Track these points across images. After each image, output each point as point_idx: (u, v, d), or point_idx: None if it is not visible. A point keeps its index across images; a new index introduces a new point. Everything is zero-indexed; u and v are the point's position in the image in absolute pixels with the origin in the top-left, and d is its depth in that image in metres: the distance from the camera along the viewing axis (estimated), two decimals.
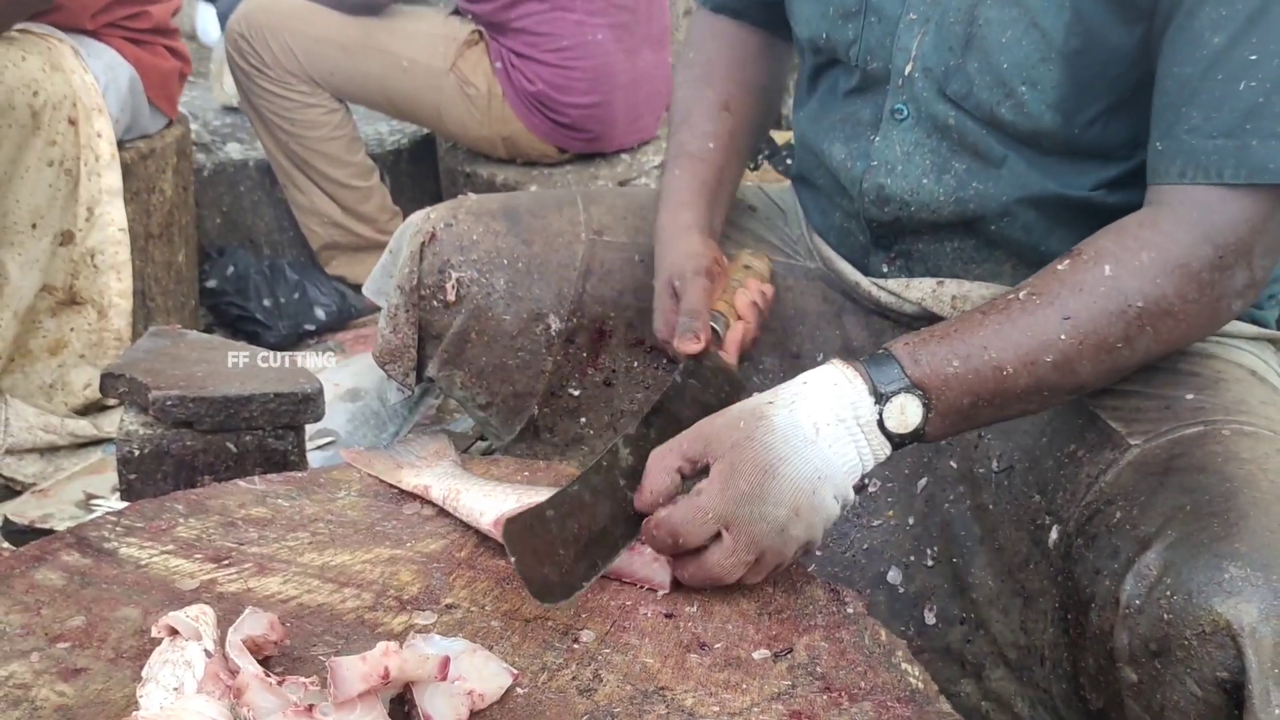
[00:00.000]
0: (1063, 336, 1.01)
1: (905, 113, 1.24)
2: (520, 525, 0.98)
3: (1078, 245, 1.06)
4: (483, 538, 1.07)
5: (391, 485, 1.17)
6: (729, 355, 1.25)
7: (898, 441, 1.01)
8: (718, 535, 0.97)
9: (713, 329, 1.22)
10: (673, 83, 1.50)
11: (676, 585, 1.01)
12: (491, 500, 1.07)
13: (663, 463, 1.00)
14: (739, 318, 1.26)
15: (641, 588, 1.02)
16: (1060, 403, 1.10)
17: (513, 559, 0.95)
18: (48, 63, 2.18)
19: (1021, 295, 1.04)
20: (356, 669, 0.78)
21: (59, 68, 2.19)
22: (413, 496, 1.15)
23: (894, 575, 1.29)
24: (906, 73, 1.22)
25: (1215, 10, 1.02)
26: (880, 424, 1.00)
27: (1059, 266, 1.05)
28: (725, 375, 1.21)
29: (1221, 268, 1.02)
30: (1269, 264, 1.05)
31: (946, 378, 1.01)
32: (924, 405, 1.00)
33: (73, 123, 2.20)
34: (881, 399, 1.00)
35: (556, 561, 0.99)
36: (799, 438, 0.97)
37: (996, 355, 1.01)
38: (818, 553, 1.12)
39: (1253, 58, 1.01)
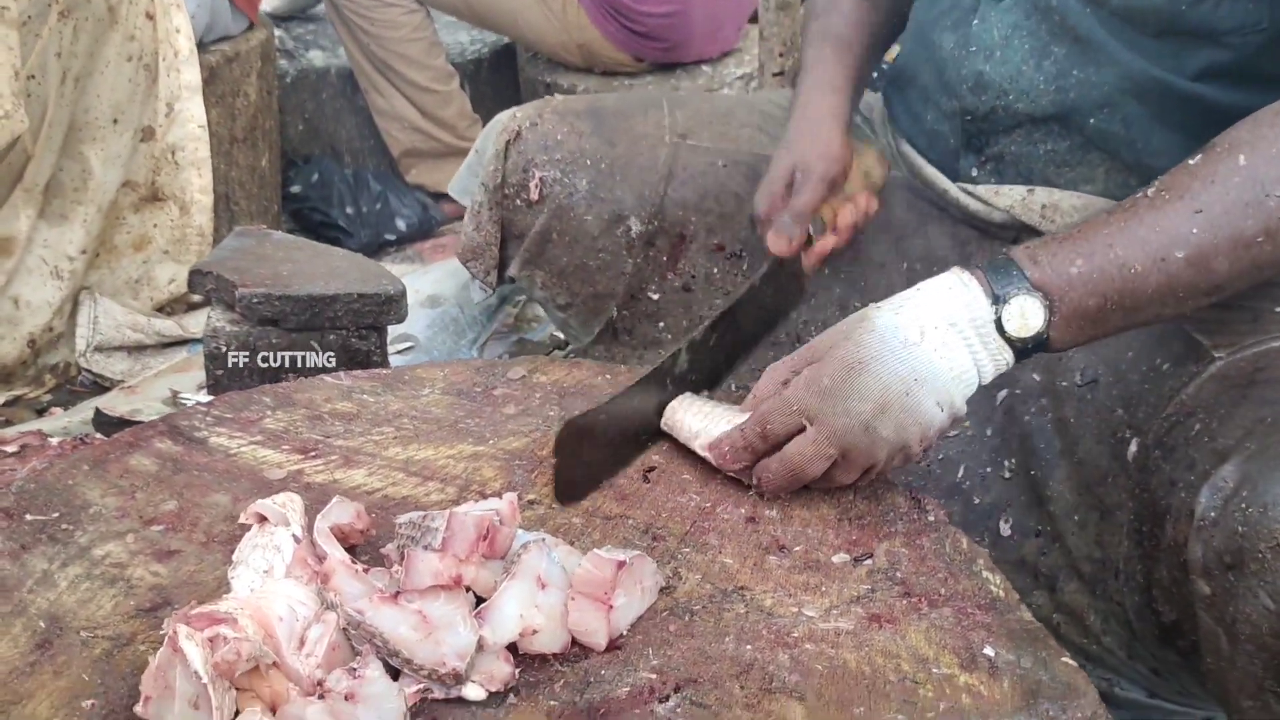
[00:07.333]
0: (1194, 230, 0.95)
1: None
2: (575, 429, 0.97)
3: (1212, 140, 0.99)
4: None
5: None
6: (808, 262, 1.23)
7: (1020, 348, 0.98)
8: (803, 429, 0.96)
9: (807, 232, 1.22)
10: None
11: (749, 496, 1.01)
12: (706, 422, 1.04)
13: (773, 375, 1.00)
14: (834, 230, 1.25)
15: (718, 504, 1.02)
16: (1200, 305, 1.02)
17: (555, 460, 0.96)
18: None
19: (1150, 193, 0.98)
20: (431, 564, 0.78)
21: None
22: (496, 397, 1.15)
23: (1004, 529, 1.27)
24: None
25: None
26: (1000, 328, 0.97)
27: (1190, 161, 0.99)
28: (795, 282, 1.19)
29: None
30: None
31: (1069, 278, 0.96)
32: (1046, 308, 0.96)
33: (150, 17, 2.19)
34: (999, 301, 0.96)
35: (587, 464, 0.99)
36: (897, 339, 0.95)
37: (1123, 252, 0.96)
38: (923, 463, 1.09)
39: None
